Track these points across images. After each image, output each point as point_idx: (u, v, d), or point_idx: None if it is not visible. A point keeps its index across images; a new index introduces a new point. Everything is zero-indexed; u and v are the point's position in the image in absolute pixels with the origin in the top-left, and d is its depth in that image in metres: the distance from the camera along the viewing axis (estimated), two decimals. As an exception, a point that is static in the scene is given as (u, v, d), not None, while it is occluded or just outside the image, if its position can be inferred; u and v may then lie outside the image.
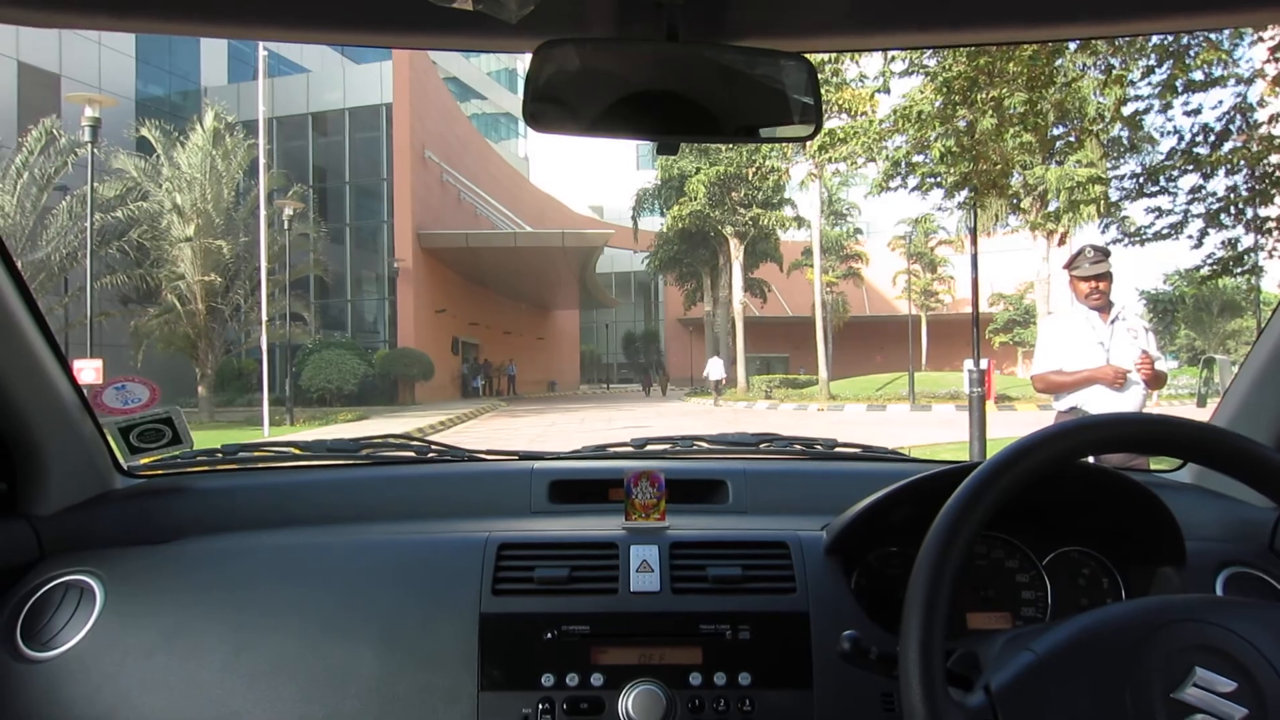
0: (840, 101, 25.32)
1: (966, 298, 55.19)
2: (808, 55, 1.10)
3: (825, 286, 53.37)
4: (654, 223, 42.60)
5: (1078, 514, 1.50)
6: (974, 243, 13.12)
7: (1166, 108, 12.21)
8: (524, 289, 41.56)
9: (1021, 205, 26.34)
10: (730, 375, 36.98)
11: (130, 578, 1.48)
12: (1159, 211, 13.56)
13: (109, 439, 1.74)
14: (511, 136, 56.61)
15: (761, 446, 2.05)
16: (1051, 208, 26.55)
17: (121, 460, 1.78)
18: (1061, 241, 27.48)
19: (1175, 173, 13.08)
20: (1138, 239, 13.79)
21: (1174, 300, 50.46)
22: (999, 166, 12.25)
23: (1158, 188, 13.46)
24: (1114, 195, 15.11)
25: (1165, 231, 13.67)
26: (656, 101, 1.10)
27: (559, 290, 43.35)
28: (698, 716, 1.32)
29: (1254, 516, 1.66)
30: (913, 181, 14.30)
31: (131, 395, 1.80)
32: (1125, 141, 16.20)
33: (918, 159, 13.53)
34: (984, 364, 23.21)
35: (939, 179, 13.19)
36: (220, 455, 1.96)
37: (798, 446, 2.05)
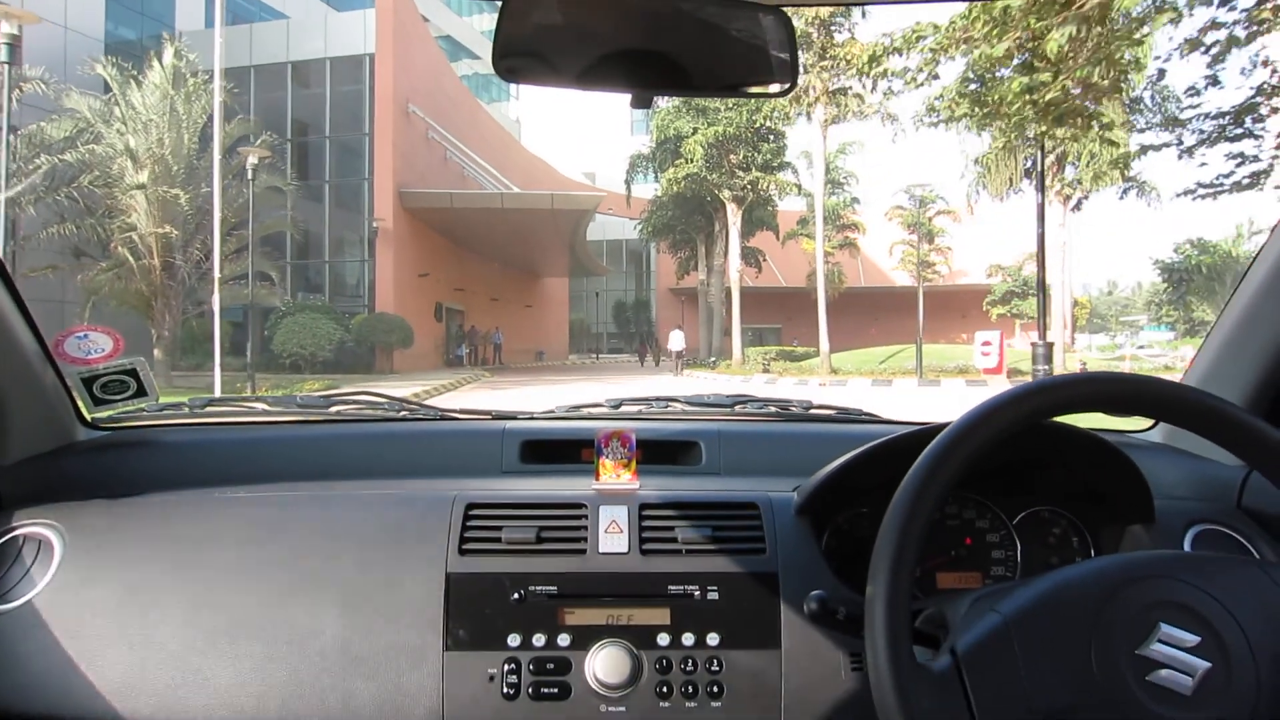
0: (848, 55, 23.41)
1: (963, 269, 54.13)
2: (786, 9, 1.06)
3: (823, 256, 52.38)
4: (648, 190, 40.91)
5: (1048, 473, 1.48)
6: (1041, 190, 11.26)
7: (1252, 38, 10.26)
8: (512, 254, 39.62)
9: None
10: (724, 347, 35.36)
11: (91, 531, 1.45)
12: (1242, 158, 11.68)
13: (71, 390, 1.69)
14: (503, 98, 54.52)
15: (736, 408, 2.03)
16: (1070, 174, 24.94)
17: (85, 412, 1.74)
18: (1078, 207, 25.91)
19: (1263, 112, 11.18)
20: (1213, 191, 11.99)
21: (1189, 270, 49.04)
22: (1090, 87, 10.06)
23: (1241, 130, 11.57)
24: (1190, 140, 13.19)
25: (1246, 181, 11.80)
26: (631, 53, 1.05)
27: (548, 256, 41.39)
28: (665, 676, 1.31)
29: (1222, 475, 1.66)
30: (963, 111, 12.17)
31: (94, 345, 1.75)
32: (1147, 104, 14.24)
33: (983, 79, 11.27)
34: (993, 335, 21.54)
35: (1032, 95, 10.76)
36: (186, 409, 1.92)
37: (773, 408, 2.04)
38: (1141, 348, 47.04)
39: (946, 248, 55.28)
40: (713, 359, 32.13)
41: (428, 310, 32.50)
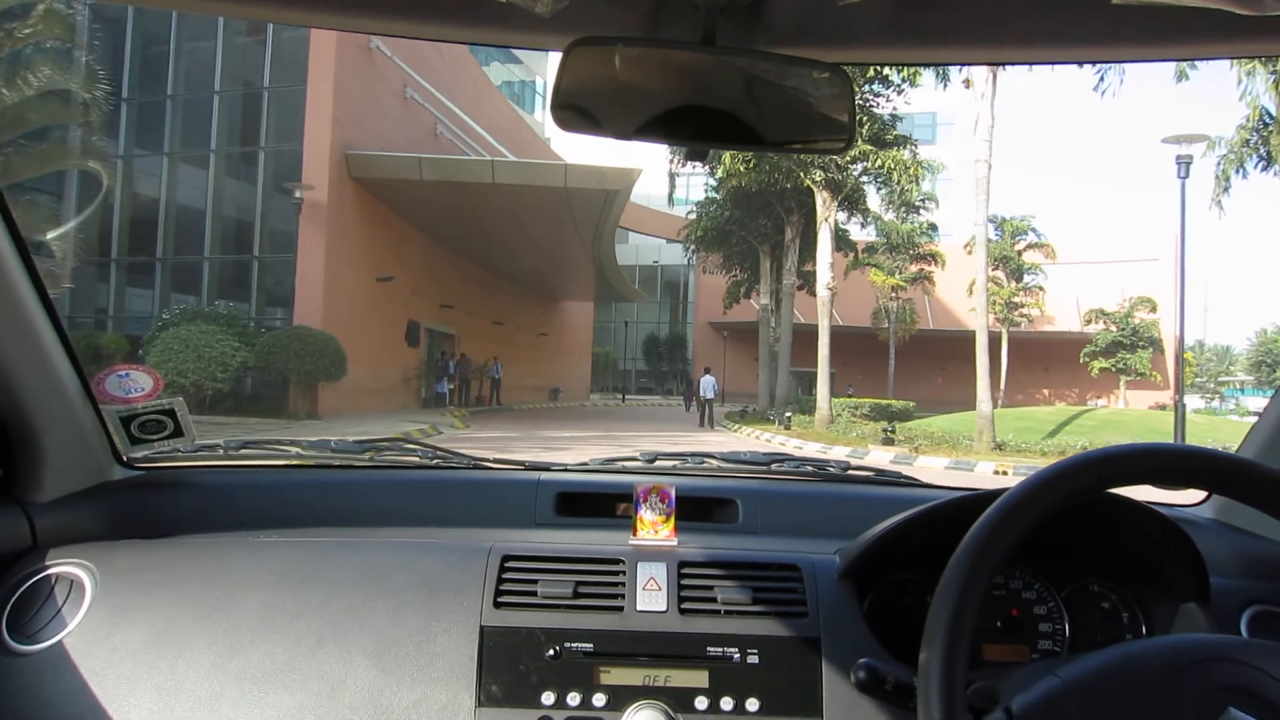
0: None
1: (1054, 314, 43.85)
2: (845, 65, 1.01)
3: (890, 292, 42.63)
4: (686, 209, 31.19)
5: (1099, 545, 1.40)
6: None
7: None
8: (521, 265, 29.79)
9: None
10: (788, 396, 25.21)
11: (123, 572, 1.40)
12: None
13: (109, 428, 1.63)
14: (530, 109, 44.89)
15: (773, 467, 1.94)
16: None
17: (121, 451, 1.67)
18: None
19: None
20: None
21: None
22: None
23: None
24: None
25: None
26: (688, 106, 1.01)
27: (566, 269, 31.53)
28: None
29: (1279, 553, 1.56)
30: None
31: (134, 384, 1.67)
32: None
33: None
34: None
35: None
36: (221, 450, 1.88)
37: (809, 468, 1.97)
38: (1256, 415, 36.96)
39: (1038, 288, 45.41)
40: (786, 413, 21.65)
41: (395, 330, 22.88)
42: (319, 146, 18.55)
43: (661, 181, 28.13)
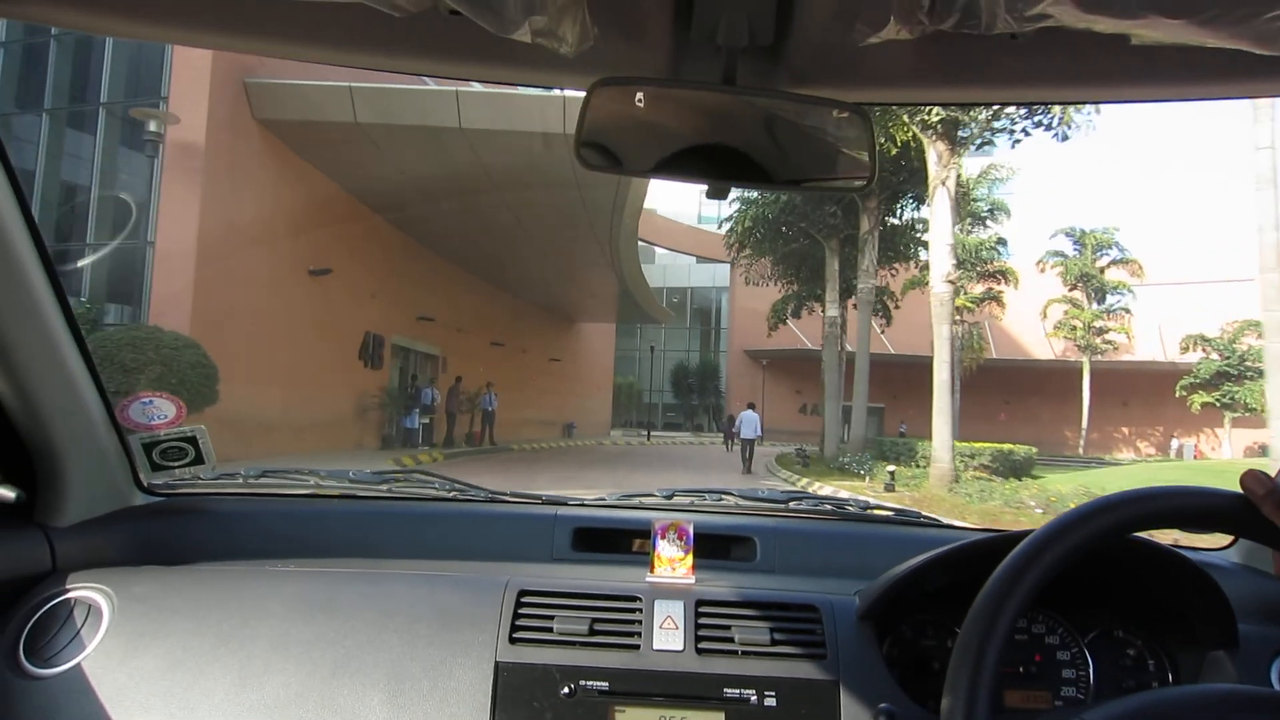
0: None
1: (1136, 341, 36.52)
2: (866, 105, 1.01)
3: (956, 313, 35.96)
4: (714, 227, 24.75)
5: (1123, 590, 1.35)
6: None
7: None
8: (523, 269, 23.51)
9: None
10: (864, 437, 18.37)
11: (140, 598, 1.37)
12: None
13: (131, 454, 1.59)
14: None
15: (791, 505, 1.85)
16: None
17: (142, 477, 1.64)
18: None
19: None
20: None
21: None
22: None
23: None
24: None
25: None
26: (709, 146, 0.99)
27: (581, 279, 25.21)
28: None
29: None
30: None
31: (157, 411, 1.65)
32: None
33: None
34: None
35: None
36: (241, 479, 1.79)
37: (828, 506, 1.87)
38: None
39: (1124, 311, 38.55)
40: (889, 468, 14.52)
41: (345, 345, 16.47)
42: (192, 65, 12.26)
43: (689, 195, 21.87)
